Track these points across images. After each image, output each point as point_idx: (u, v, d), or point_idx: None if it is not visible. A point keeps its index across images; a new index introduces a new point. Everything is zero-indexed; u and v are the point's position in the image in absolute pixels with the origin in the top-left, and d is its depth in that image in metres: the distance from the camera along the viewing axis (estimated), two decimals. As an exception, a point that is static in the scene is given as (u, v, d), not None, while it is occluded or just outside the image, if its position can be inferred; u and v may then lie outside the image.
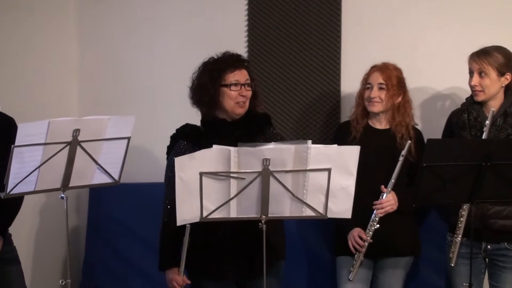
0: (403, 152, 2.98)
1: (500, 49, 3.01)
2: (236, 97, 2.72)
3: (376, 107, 3.15)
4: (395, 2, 3.60)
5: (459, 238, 2.95)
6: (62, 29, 4.13)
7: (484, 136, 2.89)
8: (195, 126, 2.83)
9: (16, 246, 3.26)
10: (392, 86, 3.12)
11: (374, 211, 3.03)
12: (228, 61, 2.76)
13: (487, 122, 2.89)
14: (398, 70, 3.18)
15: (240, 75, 2.74)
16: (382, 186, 3.03)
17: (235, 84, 2.72)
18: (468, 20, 3.47)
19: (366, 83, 3.17)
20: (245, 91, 2.74)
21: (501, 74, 2.98)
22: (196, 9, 3.94)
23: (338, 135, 3.31)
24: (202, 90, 2.76)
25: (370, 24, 3.64)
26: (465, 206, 2.90)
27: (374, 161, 3.04)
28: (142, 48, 4.08)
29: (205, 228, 2.50)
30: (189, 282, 2.72)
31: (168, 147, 2.84)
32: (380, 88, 3.12)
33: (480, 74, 2.98)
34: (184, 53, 3.89)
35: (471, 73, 3.03)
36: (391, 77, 3.13)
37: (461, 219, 2.92)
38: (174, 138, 2.83)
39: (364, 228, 3.04)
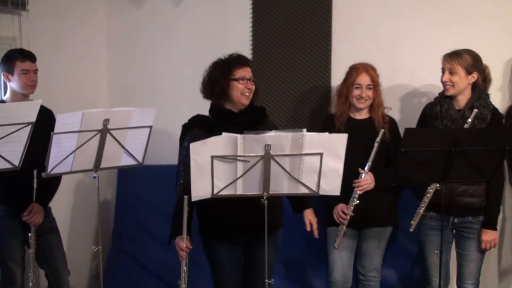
0: (378, 139, 2.97)
1: (469, 52, 2.98)
2: (242, 89, 2.72)
3: (365, 104, 3.13)
4: (379, 9, 3.56)
5: (421, 211, 2.97)
6: (93, 33, 4.13)
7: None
8: (205, 116, 2.82)
9: (55, 218, 3.28)
10: (376, 85, 3.11)
11: (354, 191, 3.03)
12: (237, 60, 2.76)
13: (469, 120, 2.85)
14: (375, 70, 3.16)
15: (246, 72, 2.74)
16: (360, 168, 3.03)
17: (242, 79, 2.72)
18: (441, 26, 3.43)
19: (354, 83, 3.11)
20: (250, 85, 2.74)
21: (468, 73, 2.96)
22: (208, 16, 3.93)
23: (325, 127, 3.25)
24: (215, 84, 2.74)
25: (356, 28, 3.61)
26: (433, 185, 2.91)
27: (357, 147, 3.00)
28: (162, 49, 4.07)
29: (218, 203, 2.51)
30: (191, 247, 2.66)
31: (181, 135, 2.81)
32: (369, 89, 3.10)
33: (450, 72, 2.97)
34: (198, 54, 3.88)
35: (443, 71, 3.01)
36: (374, 77, 3.12)
37: (428, 195, 2.94)
38: (187, 127, 2.80)
39: (348, 203, 3.05)
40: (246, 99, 2.74)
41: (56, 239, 3.25)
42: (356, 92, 3.11)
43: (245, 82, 2.72)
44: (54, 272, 3.22)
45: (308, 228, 2.92)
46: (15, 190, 2.99)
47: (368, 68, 3.12)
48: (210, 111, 2.82)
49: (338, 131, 3.10)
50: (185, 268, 2.67)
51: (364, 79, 3.10)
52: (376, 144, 2.97)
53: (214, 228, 2.77)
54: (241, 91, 2.71)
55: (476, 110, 2.88)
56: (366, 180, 3.03)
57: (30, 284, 2.98)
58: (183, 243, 2.62)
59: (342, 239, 3.10)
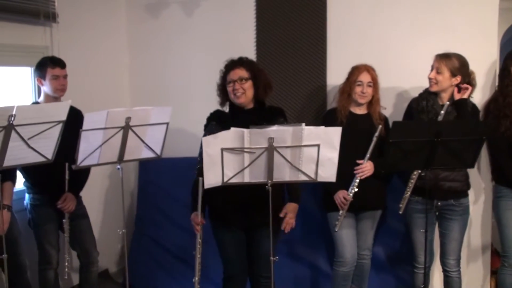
0: (376, 134, 2.96)
1: (458, 57, 2.96)
2: (231, 91, 2.72)
3: (365, 99, 3.10)
4: (370, 16, 3.54)
5: (407, 195, 2.97)
6: (116, 41, 4.14)
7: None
8: (223, 112, 2.85)
9: (85, 205, 3.29)
10: (375, 83, 3.10)
11: (354, 178, 3.01)
12: (227, 65, 2.78)
13: (442, 112, 2.85)
14: (375, 70, 3.14)
15: (233, 75, 2.72)
16: (358, 161, 3.02)
17: (229, 82, 2.73)
18: (426, 32, 3.41)
19: (357, 81, 3.09)
20: (237, 85, 2.71)
21: (453, 75, 2.93)
22: (217, 25, 3.93)
23: (327, 120, 3.22)
24: (218, 90, 2.81)
25: (349, 34, 3.60)
26: (416, 172, 2.90)
27: (358, 139, 3.01)
28: (177, 54, 4.07)
29: (224, 191, 2.51)
30: (204, 222, 2.67)
31: (205, 125, 2.84)
32: (369, 86, 3.08)
33: (437, 71, 2.95)
34: (208, 58, 3.89)
35: (432, 68, 2.99)
36: (375, 76, 3.10)
37: (411, 181, 2.94)
38: (209, 119, 2.84)
39: (348, 189, 3.03)
40: (237, 98, 2.72)
41: (86, 224, 3.27)
42: (358, 89, 3.09)
43: (232, 84, 2.71)
44: (85, 253, 3.24)
45: (282, 215, 2.72)
46: (49, 182, 3.01)
47: (368, 68, 3.11)
48: (229, 106, 2.85)
49: (340, 123, 3.08)
50: (200, 241, 2.68)
51: (365, 77, 3.08)
52: (374, 139, 2.96)
53: (220, 214, 2.79)
54: (232, 93, 2.72)
55: (447, 103, 2.86)
56: (366, 166, 3.01)
57: (66, 263, 3.01)
58: (197, 218, 2.64)
59: (345, 219, 3.08)
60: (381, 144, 3.02)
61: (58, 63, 3.03)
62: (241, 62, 2.76)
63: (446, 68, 2.92)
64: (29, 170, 3.00)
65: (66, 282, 3.44)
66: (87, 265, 3.25)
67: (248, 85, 2.72)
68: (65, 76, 3.06)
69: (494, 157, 3.21)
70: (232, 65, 2.75)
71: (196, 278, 2.68)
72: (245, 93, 2.72)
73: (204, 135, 2.71)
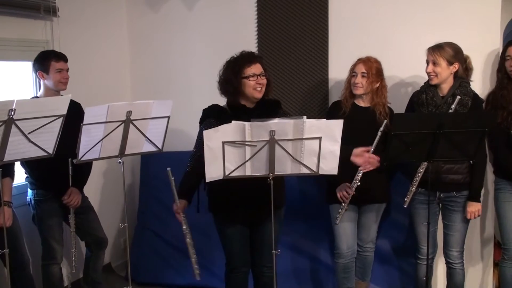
0: (381, 129, 2.91)
1: (450, 44, 2.94)
2: (254, 85, 2.64)
3: (359, 91, 3.06)
4: (372, 9, 3.51)
5: (414, 189, 2.95)
6: (116, 35, 4.13)
7: None
8: (223, 108, 2.75)
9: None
10: (371, 74, 3.02)
11: (357, 172, 2.97)
12: (245, 58, 2.68)
13: (453, 106, 2.82)
14: (377, 62, 3.08)
15: (255, 68, 2.66)
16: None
17: (253, 75, 2.64)
18: (427, 23, 3.38)
19: (352, 72, 3.08)
20: (260, 79, 2.66)
21: (450, 63, 2.91)
22: (218, 18, 3.91)
23: (332, 110, 3.21)
24: (228, 83, 2.68)
25: (350, 28, 3.57)
26: (423, 165, 2.88)
27: (358, 132, 2.97)
28: (177, 48, 4.06)
29: (226, 186, 2.48)
30: (180, 212, 2.65)
31: (201, 118, 2.76)
32: (362, 76, 3.04)
33: (434, 63, 2.92)
34: (209, 52, 3.88)
35: (427, 62, 2.97)
36: (372, 67, 3.03)
37: (418, 174, 2.91)
38: (206, 113, 2.75)
39: (351, 182, 3.00)
40: (258, 93, 2.67)
41: (93, 214, 3.30)
42: (352, 79, 3.07)
43: (256, 78, 2.64)
44: (96, 241, 3.28)
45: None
46: (52, 177, 3.01)
47: (365, 60, 3.05)
48: (227, 104, 2.76)
49: (343, 114, 3.06)
50: (185, 227, 2.67)
51: (359, 68, 3.04)
52: (379, 133, 2.92)
53: (222, 207, 2.77)
54: (253, 87, 2.64)
55: (459, 97, 2.84)
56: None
57: (73, 258, 3.03)
58: (176, 206, 2.64)
59: (346, 212, 3.07)
60: (386, 138, 2.99)
61: (62, 57, 3.04)
62: (259, 57, 2.73)
63: (441, 58, 2.89)
64: (32, 165, 3.00)
65: (70, 277, 3.45)
66: (98, 253, 3.29)
67: (265, 81, 2.69)
68: (67, 70, 3.07)
69: (492, 148, 3.19)
70: (252, 58, 2.68)
71: (193, 260, 2.67)
72: (262, 88, 2.68)
73: (200, 131, 2.68)
